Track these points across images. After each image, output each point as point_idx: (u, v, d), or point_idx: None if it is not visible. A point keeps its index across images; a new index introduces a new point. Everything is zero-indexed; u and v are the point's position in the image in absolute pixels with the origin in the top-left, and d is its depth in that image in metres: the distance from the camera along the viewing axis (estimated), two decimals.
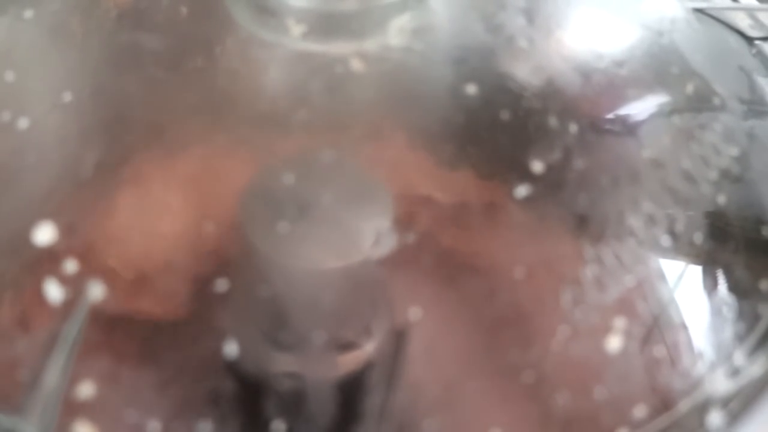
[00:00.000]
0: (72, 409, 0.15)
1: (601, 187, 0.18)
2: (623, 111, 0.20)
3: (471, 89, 0.18)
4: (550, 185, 0.18)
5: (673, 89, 0.21)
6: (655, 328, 0.17)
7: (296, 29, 0.19)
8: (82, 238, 0.17)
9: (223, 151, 0.19)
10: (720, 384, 0.17)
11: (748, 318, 0.18)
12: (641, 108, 0.20)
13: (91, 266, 0.16)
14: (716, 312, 0.18)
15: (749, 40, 0.24)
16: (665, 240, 0.18)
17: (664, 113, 0.20)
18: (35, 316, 0.16)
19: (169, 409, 0.15)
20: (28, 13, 0.20)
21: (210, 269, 0.17)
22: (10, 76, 0.19)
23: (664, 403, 0.16)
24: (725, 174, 0.19)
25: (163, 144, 0.19)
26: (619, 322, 0.17)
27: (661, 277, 0.18)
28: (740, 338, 0.18)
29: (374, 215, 0.17)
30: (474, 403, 0.16)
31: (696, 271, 0.18)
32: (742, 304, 0.18)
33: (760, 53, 0.24)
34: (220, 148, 0.19)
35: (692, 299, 0.18)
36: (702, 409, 0.16)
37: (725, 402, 0.16)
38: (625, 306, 0.17)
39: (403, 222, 0.17)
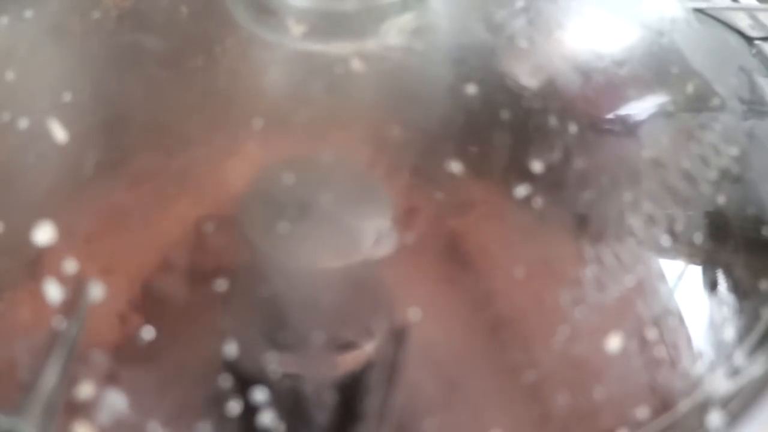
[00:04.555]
0: (72, 409, 0.15)
1: (601, 187, 0.18)
2: (623, 111, 0.20)
3: (471, 89, 0.18)
4: (550, 185, 0.18)
5: (673, 89, 0.21)
6: (655, 328, 0.17)
7: (296, 29, 0.19)
8: (82, 238, 0.17)
9: (223, 151, 0.19)
10: (720, 384, 0.17)
11: (747, 318, 0.18)
12: (641, 108, 0.20)
13: (91, 266, 0.16)
14: (716, 312, 0.18)
15: (749, 40, 0.24)
16: (665, 240, 0.18)
17: (664, 113, 0.20)
18: (35, 316, 0.16)
19: (168, 410, 0.15)
20: (28, 13, 0.20)
21: (210, 269, 0.17)
22: (10, 76, 0.19)
23: (664, 403, 0.16)
24: (725, 174, 0.19)
25: (163, 144, 0.19)
26: (619, 322, 0.17)
27: (661, 277, 0.18)
28: (740, 338, 0.18)
29: (374, 215, 0.17)
30: (474, 403, 0.17)
31: (696, 271, 0.18)
32: (741, 304, 0.18)
33: (760, 53, 0.24)
34: (220, 148, 0.19)
35: (692, 299, 0.18)
36: (702, 409, 0.16)
37: (725, 402, 0.16)
38: (625, 306, 0.17)
39: (403, 222, 0.17)
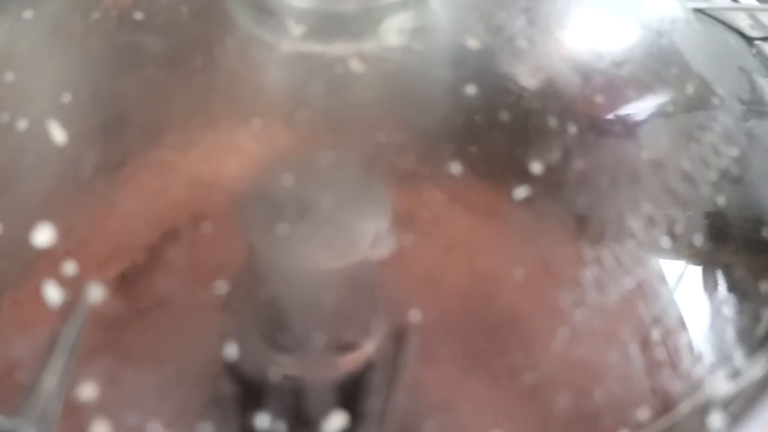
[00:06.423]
0: (72, 410, 0.15)
1: (601, 188, 0.18)
2: (623, 111, 0.20)
3: (470, 90, 0.18)
4: (550, 186, 0.17)
5: (672, 89, 0.21)
6: (655, 329, 0.17)
7: (296, 30, 0.19)
8: (82, 240, 0.17)
9: (223, 151, 0.19)
10: (720, 385, 0.17)
11: (748, 319, 0.18)
12: (641, 108, 0.20)
13: (91, 268, 0.16)
14: (716, 313, 0.18)
15: (749, 40, 0.24)
16: (665, 241, 0.18)
17: (663, 114, 0.20)
18: (35, 318, 0.16)
19: (169, 411, 0.15)
20: (28, 14, 0.20)
21: (210, 271, 0.17)
22: (9, 76, 0.19)
23: (664, 404, 0.16)
24: (725, 175, 0.19)
25: (162, 145, 0.19)
26: (620, 324, 0.17)
27: (661, 278, 0.18)
28: (740, 339, 0.18)
29: (373, 216, 0.17)
30: (475, 405, 0.17)
31: (696, 272, 0.18)
32: (742, 305, 0.18)
33: (760, 53, 0.23)
34: (219, 148, 0.19)
35: (692, 300, 0.18)
36: (702, 410, 0.16)
37: (726, 404, 0.16)
38: (625, 307, 0.17)
39: (402, 223, 0.17)
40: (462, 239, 0.18)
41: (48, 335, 0.16)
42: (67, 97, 0.18)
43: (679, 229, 0.18)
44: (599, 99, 0.20)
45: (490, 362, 0.17)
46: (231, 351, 0.15)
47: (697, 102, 0.21)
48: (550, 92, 0.19)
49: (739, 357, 0.17)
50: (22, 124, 0.18)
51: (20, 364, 0.16)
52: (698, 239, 0.18)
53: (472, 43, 0.19)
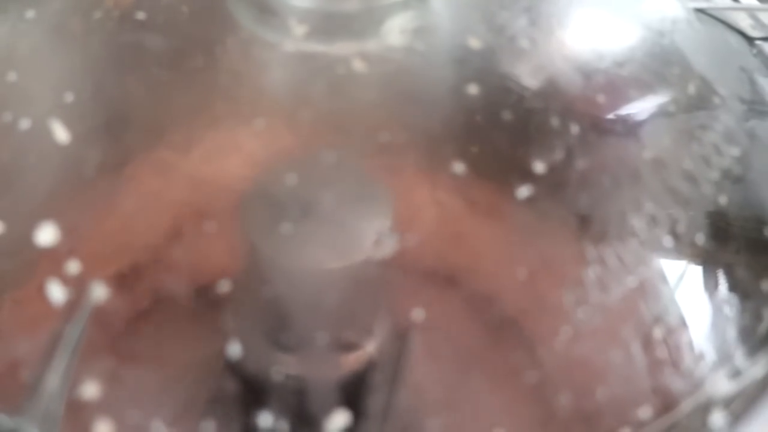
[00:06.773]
0: (75, 409, 0.15)
1: (603, 187, 0.18)
2: (624, 111, 0.20)
3: (473, 89, 0.18)
4: (552, 186, 0.18)
5: (674, 89, 0.21)
6: (657, 328, 0.17)
7: (298, 29, 0.19)
8: (85, 239, 0.17)
9: (225, 151, 0.19)
10: (722, 385, 0.17)
11: (749, 318, 0.18)
12: (642, 108, 0.20)
13: (94, 267, 0.16)
14: (718, 312, 0.18)
15: (750, 40, 0.24)
16: (667, 240, 0.18)
17: (665, 113, 0.20)
18: (38, 317, 0.16)
19: (172, 411, 0.16)
20: (30, 14, 0.20)
21: (212, 270, 0.17)
22: (11, 76, 0.19)
23: (665, 403, 0.16)
24: (726, 174, 0.19)
25: (164, 144, 0.19)
26: (621, 323, 0.17)
27: (663, 277, 0.18)
28: (742, 339, 0.18)
29: (376, 216, 0.17)
30: (477, 403, 0.17)
31: (697, 271, 0.18)
32: (743, 304, 0.18)
33: (761, 53, 0.23)
34: (221, 148, 0.19)
35: (694, 300, 0.18)
36: (704, 409, 0.16)
37: (727, 403, 0.16)
38: (627, 307, 0.17)
39: (405, 222, 0.17)
40: (465, 239, 0.18)
41: (50, 334, 0.16)
42: (69, 97, 0.18)
43: (680, 228, 0.18)
44: (601, 99, 0.20)
45: (492, 361, 0.17)
46: (233, 350, 0.15)
47: (698, 102, 0.21)
48: (551, 92, 0.19)
49: (740, 356, 0.17)
50: (24, 124, 0.18)
51: (23, 363, 0.16)
52: (700, 239, 0.18)
53: (474, 43, 0.19)
